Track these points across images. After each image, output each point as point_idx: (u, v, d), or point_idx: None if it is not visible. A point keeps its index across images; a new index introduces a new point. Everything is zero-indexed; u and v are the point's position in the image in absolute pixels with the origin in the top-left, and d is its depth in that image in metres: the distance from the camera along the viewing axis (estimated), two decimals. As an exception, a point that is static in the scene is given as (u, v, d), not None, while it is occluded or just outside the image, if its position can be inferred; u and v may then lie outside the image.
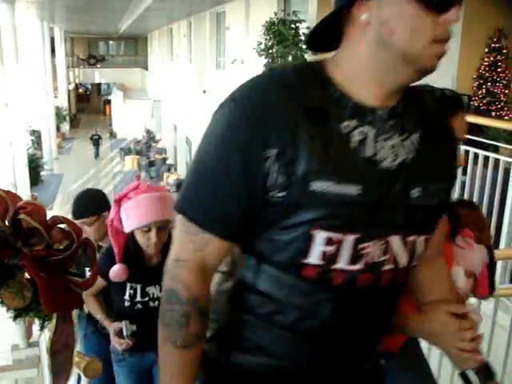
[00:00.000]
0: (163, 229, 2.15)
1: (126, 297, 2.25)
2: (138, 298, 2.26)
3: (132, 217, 2.11)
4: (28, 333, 1.51)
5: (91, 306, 2.34)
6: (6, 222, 1.14)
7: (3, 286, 1.14)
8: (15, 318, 1.21)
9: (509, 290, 2.89)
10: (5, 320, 1.25)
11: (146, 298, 2.26)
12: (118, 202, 2.16)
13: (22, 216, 1.09)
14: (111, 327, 2.24)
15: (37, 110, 18.98)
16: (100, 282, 2.18)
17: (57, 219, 1.18)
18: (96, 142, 23.72)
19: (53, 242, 1.17)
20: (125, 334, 2.14)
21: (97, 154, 23.57)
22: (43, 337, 1.34)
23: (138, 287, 2.25)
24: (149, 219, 2.09)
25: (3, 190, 1.17)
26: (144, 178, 19.52)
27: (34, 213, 1.11)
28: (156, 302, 2.27)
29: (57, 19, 22.01)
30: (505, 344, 2.49)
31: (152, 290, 2.28)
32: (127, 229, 2.14)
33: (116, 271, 2.16)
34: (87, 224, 2.50)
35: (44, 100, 19.63)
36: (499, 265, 3.31)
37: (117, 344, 2.22)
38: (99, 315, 2.32)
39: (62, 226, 1.21)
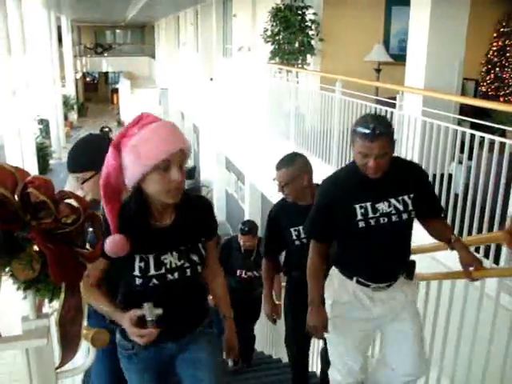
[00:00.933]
0: (183, 164, 1.69)
1: (136, 272, 1.76)
2: (152, 271, 1.77)
3: (146, 152, 1.59)
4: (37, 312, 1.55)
5: (94, 297, 1.79)
6: (16, 197, 1.17)
7: (14, 258, 1.18)
8: (25, 289, 1.25)
9: (513, 271, 2.90)
10: (15, 292, 1.29)
11: (162, 270, 1.78)
12: (117, 146, 1.63)
13: (30, 190, 1.13)
14: (125, 318, 1.70)
15: (45, 98, 19.04)
16: (99, 262, 1.69)
17: (64, 194, 1.21)
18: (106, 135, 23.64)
19: (60, 217, 1.21)
20: (149, 319, 1.66)
21: None
22: (52, 309, 1.38)
23: (151, 257, 1.77)
24: (170, 148, 1.60)
25: (12, 166, 1.20)
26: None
27: (42, 187, 1.14)
28: (176, 274, 1.81)
29: (63, 8, 22.00)
30: (508, 325, 2.51)
31: (169, 259, 1.80)
32: (137, 172, 1.61)
33: (111, 244, 1.64)
34: (80, 181, 2.02)
35: (52, 89, 19.68)
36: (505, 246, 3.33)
37: (137, 338, 1.69)
38: (106, 307, 1.79)
39: (70, 200, 1.24)
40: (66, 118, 24.10)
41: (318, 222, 2.40)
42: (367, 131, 2.11)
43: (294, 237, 2.95)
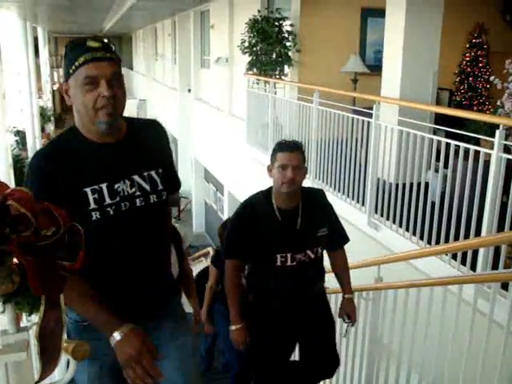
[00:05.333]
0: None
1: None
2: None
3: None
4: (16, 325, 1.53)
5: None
6: (-6, 209, 1.16)
7: (-8, 272, 1.17)
8: (4, 303, 1.24)
9: (490, 276, 2.96)
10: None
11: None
12: None
13: (10, 202, 1.12)
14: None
15: (21, 110, 18.81)
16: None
17: (44, 206, 1.20)
18: None
19: (40, 229, 1.20)
20: None
21: None
22: (32, 322, 1.37)
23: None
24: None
25: (-9, 179, 1.20)
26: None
27: (22, 199, 1.14)
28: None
29: (40, 19, 21.82)
30: (485, 331, 2.55)
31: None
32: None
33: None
34: None
35: (28, 100, 19.47)
36: (481, 252, 3.39)
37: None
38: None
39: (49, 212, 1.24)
40: (42, 129, 23.83)
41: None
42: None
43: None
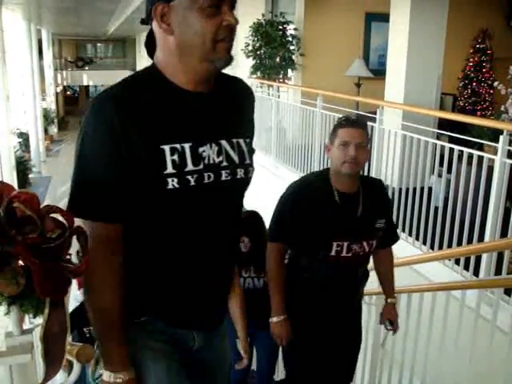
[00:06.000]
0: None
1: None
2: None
3: None
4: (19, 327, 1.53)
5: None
6: (1, 211, 1.17)
7: (-2, 273, 1.17)
8: (9, 305, 1.24)
9: (493, 282, 2.95)
10: (-2, 309, 1.28)
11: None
12: None
13: (16, 204, 1.13)
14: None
15: (24, 112, 18.87)
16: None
17: (50, 208, 1.21)
18: None
19: (46, 231, 1.20)
20: None
21: None
22: (35, 324, 1.38)
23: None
24: None
25: (-3, 181, 1.20)
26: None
27: (28, 201, 1.14)
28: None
29: (44, 21, 21.89)
30: (488, 337, 2.55)
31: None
32: None
33: None
34: None
35: (32, 102, 19.53)
36: (484, 258, 3.39)
37: None
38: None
39: (55, 215, 1.24)
40: (46, 131, 23.90)
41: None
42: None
43: None
